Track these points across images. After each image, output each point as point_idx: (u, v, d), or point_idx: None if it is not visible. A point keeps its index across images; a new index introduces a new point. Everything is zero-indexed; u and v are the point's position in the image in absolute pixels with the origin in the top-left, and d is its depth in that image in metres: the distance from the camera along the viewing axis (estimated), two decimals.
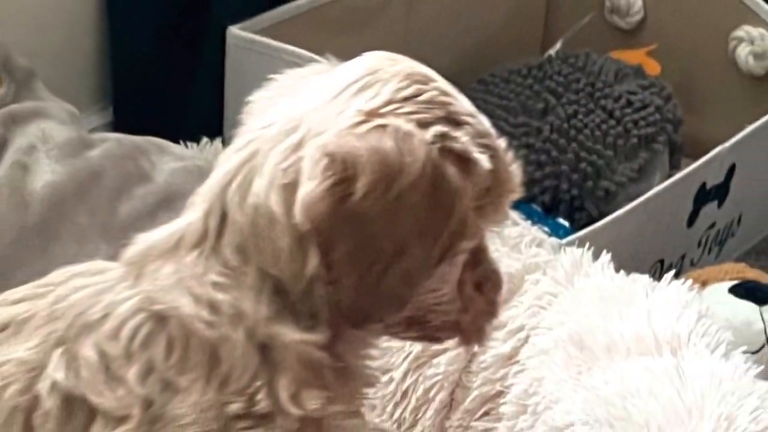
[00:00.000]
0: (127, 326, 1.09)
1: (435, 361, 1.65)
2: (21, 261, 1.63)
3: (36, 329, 1.12)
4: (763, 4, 2.54)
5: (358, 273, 1.06)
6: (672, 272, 1.69)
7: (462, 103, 1.11)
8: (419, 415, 1.65)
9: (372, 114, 1.07)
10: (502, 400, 1.61)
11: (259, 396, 1.07)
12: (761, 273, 2.10)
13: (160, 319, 1.08)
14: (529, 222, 1.79)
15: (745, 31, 2.55)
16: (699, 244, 2.29)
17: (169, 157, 1.79)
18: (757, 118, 2.31)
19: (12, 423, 1.09)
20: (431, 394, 1.65)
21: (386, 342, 1.19)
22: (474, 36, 2.58)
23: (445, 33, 2.48)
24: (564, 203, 2.24)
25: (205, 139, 1.98)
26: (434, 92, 1.10)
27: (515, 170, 1.13)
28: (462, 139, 1.08)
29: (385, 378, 1.62)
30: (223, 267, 1.09)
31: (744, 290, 2.01)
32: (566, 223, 2.19)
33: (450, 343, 1.20)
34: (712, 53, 2.59)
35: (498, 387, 1.62)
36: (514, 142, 1.14)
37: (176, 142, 1.88)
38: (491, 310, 1.17)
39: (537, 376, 1.58)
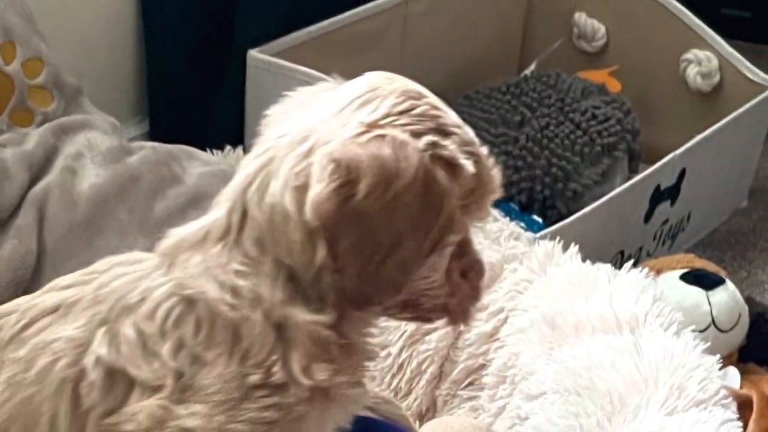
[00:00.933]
0: (161, 308, 1.09)
1: (426, 338, 1.65)
2: (70, 253, 1.63)
3: (82, 311, 1.12)
4: (709, 30, 2.54)
5: (360, 262, 1.06)
6: (631, 262, 1.69)
7: (450, 116, 1.11)
8: (413, 385, 1.65)
9: (372, 125, 1.07)
10: (484, 372, 1.61)
11: (275, 368, 1.06)
12: (707, 262, 2.10)
13: (190, 302, 1.08)
14: (508, 218, 1.79)
15: (693, 54, 2.55)
16: (654, 238, 2.29)
17: (197, 163, 1.79)
18: (704, 129, 2.31)
19: (62, 392, 1.09)
20: (423, 366, 1.65)
21: (384, 322, 1.19)
22: (460, 58, 2.58)
23: (436, 56, 2.48)
24: (538, 202, 2.24)
25: (228, 147, 1.97)
26: (426, 107, 1.10)
27: (495, 174, 1.12)
28: (450, 147, 1.08)
29: (383, 353, 1.62)
30: (243, 257, 1.08)
31: (693, 277, 2.01)
32: (539, 220, 2.19)
33: (439, 323, 1.20)
34: (665, 73, 2.59)
35: (481, 361, 1.62)
36: (494, 150, 1.14)
37: (203, 149, 1.87)
38: (475, 294, 1.17)
39: (514, 351, 1.58)
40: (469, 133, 1.12)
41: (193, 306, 1.08)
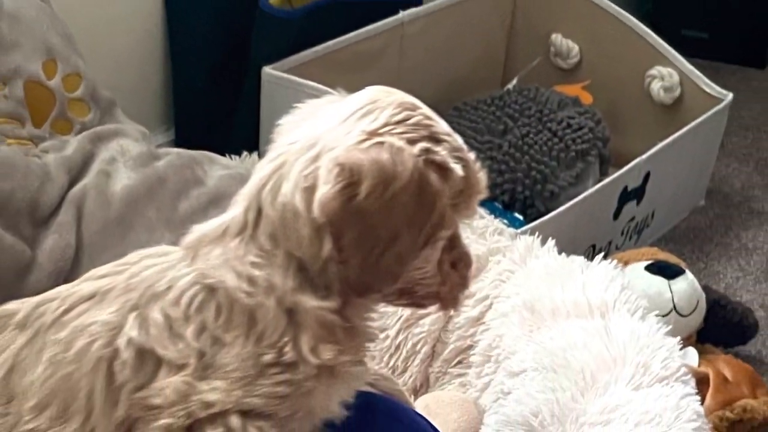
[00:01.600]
0: (185, 295, 1.09)
1: (420, 322, 1.65)
2: (105, 246, 1.62)
3: (116, 298, 1.12)
4: (671, 49, 2.54)
5: (362, 255, 1.06)
6: (601, 254, 1.68)
7: (441, 125, 1.11)
8: (408, 364, 1.65)
9: (373, 133, 1.07)
10: (471, 352, 1.61)
11: (287, 349, 1.06)
12: (669, 255, 2.10)
13: (211, 290, 1.08)
14: (492, 216, 1.79)
15: (657, 70, 2.55)
16: (622, 233, 2.29)
17: (217, 167, 1.79)
18: (667, 137, 2.31)
19: (98, 369, 1.09)
20: (418, 347, 1.64)
21: (383, 308, 1.18)
22: (450, 74, 2.58)
23: (429, 72, 2.48)
24: (519, 202, 2.23)
25: (245, 153, 1.97)
26: (420, 117, 1.10)
27: (482, 176, 1.12)
28: (441, 152, 1.08)
29: (382, 335, 1.62)
30: (258, 250, 1.08)
31: (656, 268, 2.01)
32: (521, 217, 2.18)
33: (432, 308, 1.19)
34: (632, 87, 2.59)
35: (468, 342, 1.62)
36: (480, 155, 1.14)
37: (223, 155, 1.87)
38: (463, 283, 1.17)
39: (498, 334, 1.57)
40: (458, 140, 1.12)
41: (213, 293, 1.08)
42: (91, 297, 1.13)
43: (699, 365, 1.94)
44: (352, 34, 2.26)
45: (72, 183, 1.68)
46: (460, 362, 1.63)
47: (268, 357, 1.07)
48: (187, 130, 2.24)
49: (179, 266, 1.12)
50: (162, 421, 1.06)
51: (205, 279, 1.09)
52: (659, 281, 1.99)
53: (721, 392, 1.90)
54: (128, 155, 1.74)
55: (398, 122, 1.08)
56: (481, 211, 1.75)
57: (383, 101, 1.10)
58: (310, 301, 1.07)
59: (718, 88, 2.50)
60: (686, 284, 2.01)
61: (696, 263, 2.39)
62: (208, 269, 1.09)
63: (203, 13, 2.15)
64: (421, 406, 1.49)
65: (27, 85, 1.70)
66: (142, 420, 1.08)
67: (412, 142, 1.07)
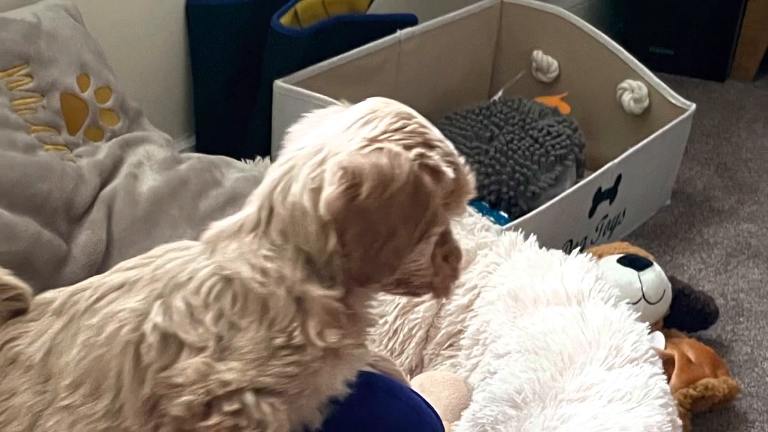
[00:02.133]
0: (205, 285, 1.08)
1: (416, 309, 1.64)
2: (132, 241, 1.62)
3: (142, 287, 1.11)
4: (640, 64, 2.54)
5: (363, 248, 1.06)
6: (578, 248, 1.68)
7: (434, 133, 1.11)
8: (405, 347, 1.65)
9: (373, 140, 1.07)
10: (461, 336, 1.61)
11: (296, 333, 1.06)
12: (639, 249, 2.10)
13: (228, 280, 1.08)
14: (480, 214, 1.79)
15: (627, 83, 2.55)
16: (596, 229, 2.29)
17: (234, 170, 1.78)
18: (636, 143, 2.31)
19: (126, 352, 1.09)
20: (413, 332, 1.64)
21: (382, 296, 1.18)
22: (442, 86, 2.58)
23: (423, 84, 2.47)
24: (504, 201, 2.23)
25: (258, 157, 1.97)
26: (415, 125, 1.09)
27: (470, 178, 1.12)
28: (434, 157, 1.08)
29: (381, 321, 1.62)
30: (270, 245, 1.08)
31: (627, 261, 2.01)
32: (505, 215, 2.18)
33: (426, 297, 1.20)
34: (605, 99, 2.59)
35: (459, 327, 1.62)
36: (469, 160, 1.14)
37: (238, 159, 1.87)
38: (454, 274, 1.17)
39: (485, 320, 1.57)
40: (450, 146, 1.12)
41: (230, 283, 1.08)
42: (120, 286, 1.13)
43: (665, 348, 1.94)
44: (354, 50, 2.26)
45: (103, 184, 1.68)
46: (451, 345, 1.62)
47: (279, 340, 1.07)
48: (206, 137, 2.24)
49: (199, 259, 1.11)
50: (184, 398, 1.06)
51: (222, 270, 1.09)
52: (630, 272, 1.99)
53: (685, 372, 1.90)
54: (154, 159, 1.74)
55: (396, 130, 1.08)
56: (470, 209, 1.75)
57: (382, 111, 1.10)
58: (316, 291, 1.07)
59: (683, 100, 2.50)
60: (654, 275, 2.01)
61: (663, 256, 2.39)
62: (225, 262, 1.09)
63: (220, 33, 2.15)
64: (416, 384, 1.49)
65: (63, 97, 1.70)
66: (165, 397, 1.08)
67: (408, 147, 1.07)
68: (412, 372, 1.63)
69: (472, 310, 1.61)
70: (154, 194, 1.68)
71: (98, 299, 1.13)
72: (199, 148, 2.20)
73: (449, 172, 1.08)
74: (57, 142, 1.68)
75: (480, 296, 1.61)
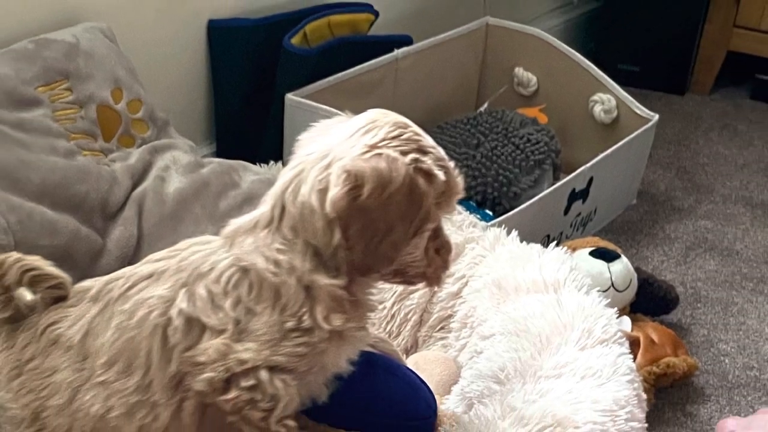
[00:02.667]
0: (224, 275, 1.08)
1: (411, 296, 1.64)
2: (160, 236, 1.62)
3: (169, 277, 1.11)
4: (610, 80, 2.53)
5: (364, 242, 1.06)
6: (554, 242, 1.68)
7: (427, 140, 1.11)
8: (401, 329, 1.64)
9: (373, 146, 1.07)
10: (451, 320, 1.61)
11: (305, 317, 1.06)
12: (608, 243, 2.10)
13: (245, 270, 1.08)
14: (468, 212, 1.79)
15: (598, 96, 2.55)
16: (571, 226, 2.29)
17: (250, 173, 1.78)
18: (606, 149, 2.31)
19: (155, 334, 1.09)
20: (408, 316, 1.64)
21: (381, 284, 1.18)
22: (434, 99, 2.57)
23: (417, 97, 2.47)
24: (489, 201, 2.23)
25: (272, 162, 1.96)
26: (410, 133, 1.09)
27: (459, 180, 1.12)
28: (427, 162, 1.08)
29: (380, 306, 1.62)
30: (282, 239, 1.08)
31: (598, 253, 2.01)
32: (490, 213, 2.18)
33: (420, 285, 1.19)
34: (578, 110, 2.59)
35: (449, 312, 1.62)
36: (458, 164, 1.14)
37: (254, 163, 1.87)
38: (445, 265, 1.17)
39: (473, 305, 1.57)
40: (441, 152, 1.12)
41: (247, 273, 1.08)
42: (149, 276, 1.13)
43: (632, 330, 1.94)
44: (356, 67, 2.26)
45: (134, 186, 1.68)
46: (442, 328, 1.62)
47: (290, 324, 1.07)
48: (225, 144, 2.24)
49: (219, 252, 1.11)
50: (206, 375, 1.06)
51: (240, 262, 1.09)
52: (600, 264, 1.99)
53: (650, 352, 1.90)
54: (179, 164, 1.73)
55: (393, 138, 1.08)
56: (459, 208, 1.75)
57: (381, 121, 1.10)
58: (323, 280, 1.07)
59: (647, 111, 2.50)
60: (622, 266, 2.01)
61: (629, 249, 2.39)
62: (243, 254, 1.09)
63: (238, 51, 2.15)
64: (411, 362, 1.49)
65: (99, 109, 1.70)
66: (189, 374, 1.08)
67: (404, 153, 1.07)
68: (408, 352, 1.63)
69: (461, 297, 1.61)
70: (179, 194, 1.68)
71: (130, 287, 1.13)
72: (219, 153, 2.19)
73: (440, 174, 1.08)
74: (93, 148, 1.68)
75: (468, 285, 1.61)
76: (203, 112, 2.20)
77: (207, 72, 2.17)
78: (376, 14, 2.32)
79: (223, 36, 2.14)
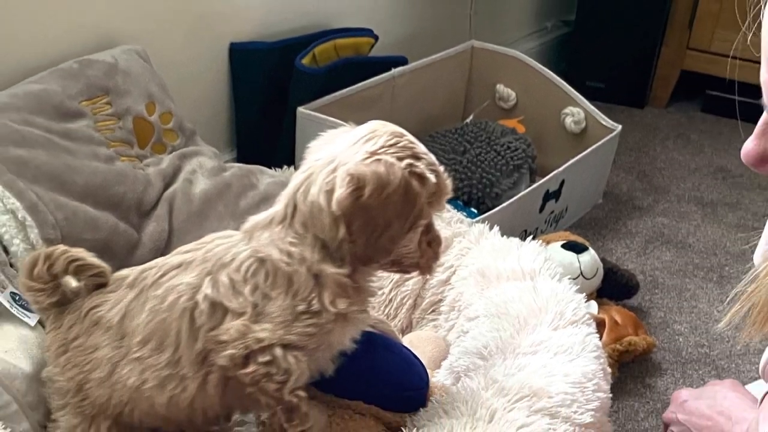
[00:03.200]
0: (244, 264, 1.08)
1: (406, 283, 1.64)
2: (188, 231, 1.62)
3: (196, 266, 1.11)
4: (579, 95, 2.53)
5: (365, 237, 1.06)
6: (531, 236, 1.68)
7: (420, 147, 1.11)
8: (398, 312, 1.64)
9: (373, 153, 1.07)
10: (441, 304, 1.61)
11: (314, 301, 1.06)
12: (578, 237, 2.10)
13: (262, 261, 1.08)
14: (456, 210, 1.79)
15: (569, 109, 2.55)
16: (545, 222, 2.29)
17: (266, 176, 1.78)
18: (576, 156, 2.31)
19: (183, 316, 1.09)
20: (404, 300, 1.64)
21: (380, 273, 1.18)
22: (427, 112, 2.57)
23: (412, 110, 2.47)
24: (474, 200, 2.23)
25: (285, 166, 1.96)
26: (406, 142, 1.09)
27: (448, 183, 1.12)
28: (420, 166, 1.08)
29: (380, 292, 1.62)
30: (294, 234, 1.08)
31: (569, 246, 2.01)
32: (475, 211, 2.18)
33: (414, 273, 1.20)
34: (552, 121, 2.59)
35: (439, 297, 1.62)
36: (447, 168, 1.14)
37: (270, 168, 1.87)
38: (436, 256, 1.17)
39: (460, 291, 1.57)
40: (432, 157, 1.12)
41: (263, 263, 1.08)
42: (179, 266, 1.13)
43: (598, 313, 1.95)
44: (358, 84, 2.26)
45: (166, 187, 1.68)
46: (433, 311, 1.62)
47: (301, 307, 1.07)
48: (245, 151, 2.24)
49: (240, 245, 1.11)
50: (227, 352, 1.06)
51: (257, 253, 1.09)
52: (571, 255, 1.99)
53: (614, 331, 1.90)
54: (204, 168, 1.73)
55: (391, 145, 1.08)
56: (448, 206, 1.75)
57: (380, 131, 1.10)
58: (330, 269, 1.07)
59: (611, 122, 2.50)
60: (589, 257, 2.01)
61: (596, 242, 2.39)
62: (260, 247, 1.09)
63: (256, 70, 2.15)
64: (406, 341, 1.49)
65: (135, 120, 1.70)
66: (213, 351, 1.08)
67: (400, 159, 1.07)
68: (403, 332, 1.63)
69: (450, 284, 1.61)
70: (204, 195, 1.68)
71: (162, 275, 1.13)
72: (239, 159, 2.19)
73: (432, 177, 1.09)
74: (130, 154, 1.67)
75: (455, 273, 1.61)
76: (225, 123, 2.20)
77: (228, 88, 2.17)
78: (376, 38, 2.32)
79: (242, 57, 2.14)
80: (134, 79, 1.73)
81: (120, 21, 1.83)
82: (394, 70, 2.38)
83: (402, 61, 2.43)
